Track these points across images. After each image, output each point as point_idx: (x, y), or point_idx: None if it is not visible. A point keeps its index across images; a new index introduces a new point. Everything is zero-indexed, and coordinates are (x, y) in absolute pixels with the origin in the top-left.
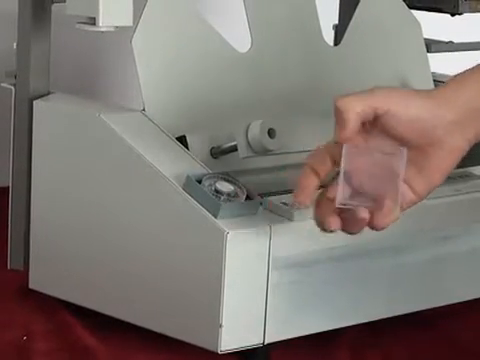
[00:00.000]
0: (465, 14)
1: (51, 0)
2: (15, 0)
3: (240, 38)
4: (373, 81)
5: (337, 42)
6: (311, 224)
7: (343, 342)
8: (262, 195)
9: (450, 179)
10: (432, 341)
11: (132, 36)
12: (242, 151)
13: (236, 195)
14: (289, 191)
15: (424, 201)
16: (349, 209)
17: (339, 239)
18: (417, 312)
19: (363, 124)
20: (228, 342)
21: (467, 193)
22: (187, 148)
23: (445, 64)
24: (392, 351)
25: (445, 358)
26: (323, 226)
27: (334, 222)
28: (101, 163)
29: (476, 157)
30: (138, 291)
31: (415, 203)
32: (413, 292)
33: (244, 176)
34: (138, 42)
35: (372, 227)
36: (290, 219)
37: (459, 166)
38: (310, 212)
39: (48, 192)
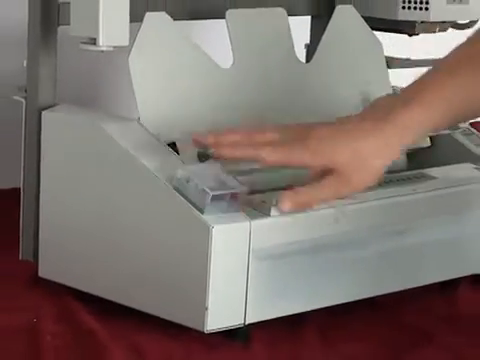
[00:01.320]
0: (421, 34)
1: (57, 23)
2: (25, 22)
3: (223, 55)
4: (338, 92)
5: (308, 59)
6: (286, 220)
7: (311, 323)
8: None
9: (407, 179)
10: (384, 321)
11: (129, 54)
12: None
13: (220, 194)
14: (266, 190)
15: (385, 199)
16: None
17: (310, 233)
18: (374, 297)
19: None
20: (213, 323)
21: (422, 192)
22: (177, 153)
23: (403, 78)
24: (351, 331)
25: (395, 337)
26: None
27: None
28: (101, 166)
29: (429, 160)
30: (135, 278)
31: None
32: (372, 280)
33: (227, 177)
34: (134, 60)
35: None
36: (267, 215)
37: (415, 168)
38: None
39: (55, 191)
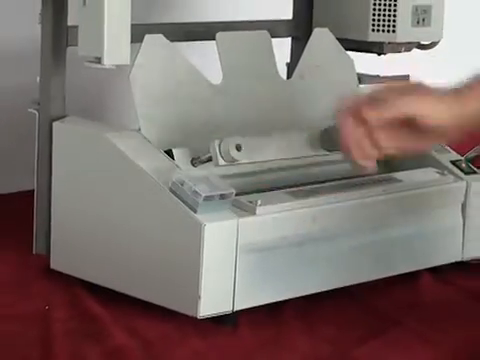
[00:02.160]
0: (388, 54)
1: (66, 44)
2: (38, 43)
3: (213, 72)
4: (316, 105)
5: (289, 76)
6: (270, 218)
7: (292, 309)
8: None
9: (378, 182)
10: (358, 307)
11: (130, 72)
12: (215, 161)
13: (211, 195)
14: (253, 192)
15: (358, 200)
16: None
17: (291, 230)
18: (349, 286)
19: None
20: (205, 309)
21: (391, 193)
22: (173, 159)
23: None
24: (327, 316)
25: (367, 321)
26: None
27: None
28: (106, 170)
29: (397, 165)
30: (135, 270)
31: None
32: (347, 271)
33: (217, 180)
34: (135, 77)
35: None
36: (253, 214)
37: (385, 172)
38: (269, 208)
39: (65, 193)
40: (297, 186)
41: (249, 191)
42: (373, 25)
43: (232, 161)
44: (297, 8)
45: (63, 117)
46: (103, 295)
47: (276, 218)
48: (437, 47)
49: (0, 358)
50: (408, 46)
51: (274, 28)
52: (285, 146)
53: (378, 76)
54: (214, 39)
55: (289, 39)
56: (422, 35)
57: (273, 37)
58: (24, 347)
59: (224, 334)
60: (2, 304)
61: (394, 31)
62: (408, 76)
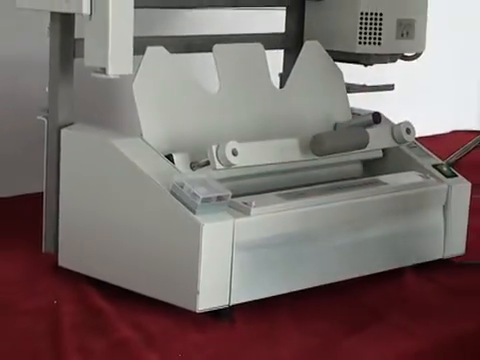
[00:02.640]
0: (374, 64)
1: (73, 55)
2: (47, 55)
3: (210, 82)
4: (306, 113)
5: (282, 86)
6: (263, 218)
7: (284, 303)
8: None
9: (364, 185)
10: (345, 302)
11: (133, 81)
12: (213, 165)
13: (209, 197)
14: (247, 194)
15: (345, 201)
16: None
17: (283, 229)
18: (337, 282)
19: None
20: (203, 304)
21: (376, 195)
22: (173, 163)
23: (360, 101)
24: (317, 310)
25: (354, 315)
26: None
27: None
28: (110, 174)
29: (382, 169)
30: (138, 267)
31: None
32: (335, 268)
33: (214, 183)
34: (137, 86)
35: None
36: (248, 214)
37: (370, 175)
38: (263, 209)
39: (72, 195)
40: (289, 189)
41: (244, 193)
42: (360, 38)
43: (228, 165)
44: (289, 22)
45: (70, 124)
46: (108, 291)
47: (270, 218)
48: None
49: (12, 349)
50: (393, 57)
51: (268, 41)
52: (278, 151)
53: (365, 85)
54: (211, 51)
55: (282, 51)
56: (406, 47)
57: (267, 49)
58: (34, 339)
59: (221, 327)
60: (14, 299)
61: (380, 43)
62: (393, 85)
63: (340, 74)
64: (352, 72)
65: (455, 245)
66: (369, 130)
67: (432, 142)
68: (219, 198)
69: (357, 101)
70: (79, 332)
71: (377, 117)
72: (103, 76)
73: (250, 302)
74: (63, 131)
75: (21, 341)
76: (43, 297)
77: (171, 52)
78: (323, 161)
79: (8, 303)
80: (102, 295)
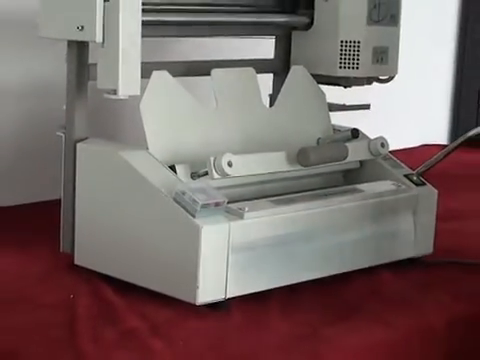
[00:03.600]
0: (353, 86)
1: (88, 78)
2: (64, 78)
3: (209, 101)
4: (293, 129)
5: (271, 105)
6: (255, 222)
7: (274, 297)
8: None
9: (344, 192)
10: (328, 295)
11: (140, 101)
12: (211, 175)
13: (207, 203)
14: (241, 200)
15: (329, 207)
16: None
17: (274, 231)
18: (321, 278)
19: None
20: (202, 297)
21: (355, 201)
22: (176, 173)
23: (340, 118)
24: (303, 303)
25: (336, 306)
26: None
27: None
28: (120, 183)
29: (360, 178)
30: (146, 265)
31: None
32: (320, 265)
33: (212, 190)
34: (144, 105)
35: None
36: (242, 218)
37: (349, 183)
38: (255, 214)
39: (87, 201)
40: (278, 195)
41: (239, 199)
42: (340, 63)
43: (224, 175)
44: (278, 49)
45: (85, 139)
46: (118, 286)
47: (261, 222)
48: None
49: (34, 338)
50: (369, 80)
51: (259, 66)
52: (268, 163)
53: (344, 105)
54: (209, 74)
55: (271, 75)
56: (381, 71)
57: (258, 73)
58: (54, 328)
59: (218, 317)
60: (35, 293)
61: (358, 68)
62: (369, 105)
63: (323, 95)
64: (333, 93)
65: (424, 245)
66: (348, 144)
67: (404, 155)
68: (216, 204)
69: (338, 119)
70: (93, 322)
71: (355, 133)
72: (114, 97)
73: (244, 295)
74: (78, 145)
75: (42, 329)
76: (61, 291)
77: (174, 76)
78: (308, 171)
79: (30, 296)
80: (113, 289)
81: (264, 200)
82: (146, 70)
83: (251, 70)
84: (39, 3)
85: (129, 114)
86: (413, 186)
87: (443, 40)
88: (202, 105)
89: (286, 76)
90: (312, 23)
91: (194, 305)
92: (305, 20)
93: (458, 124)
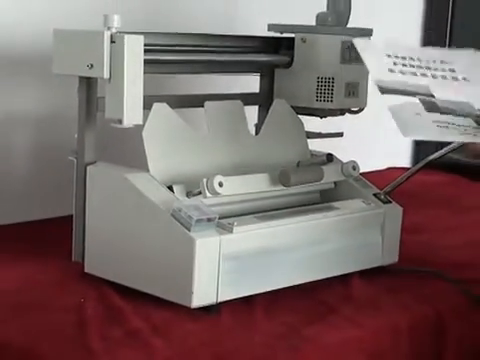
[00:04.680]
0: (328, 117)
1: (96, 109)
2: (76, 109)
3: (202, 131)
4: (275, 154)
5: (257, 133)
6: (243, 235)
7: (259, 301)
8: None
9: (321, 209)
10: (307, 299)
11: (143, 130)
12: (204, 194)
13: (201, 218)
14: (231, 216)
15: (307, 222)
16: None
17: (259, 243)
18: (301, 284)
19: None
20: (196, 301)
21: (330, 217)
22: (173, 192)
23: (317, 144)
24: (285, 306)
25: (313, 309)
26: None
27: None
28: (125, 200)
29: (334, 197)
30: (147, 272)
31: None
32: (300, 273)
33: (205, 207)
34: (146, 133)
35: None
36: (231, 232)
37: (325, 201)
38: (243, 228)
39: (96, 217)
40: (263, 212)
41: (228, 216)
42: (317, 96)
43: (216, 194)
44: (262, 84)
45: (94, 162)
46: (123, 291)
47: (248, 235)
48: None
49: (48, 337)
50: (342, 111)
51: (246, 99)
52: (254, 183)
53: (320, 133)
54: (203, 106)
55: (257, 107)
56: (352, 103)
57: (245, 105)
58: (66, 329)
59: (210, 319)
60: (48, 297)
61: (332, 101)
62: (342, 133)
63: (301, 124)
64: (311, 123)
65: (390, 255)
66: (324, 167)
67: (372, 176)
68: (209, 219)
69: (315, 145)
70: (101, 323)
71: (330, 157)
72: (120, 126)
73: (233, 300)
74: (88, 168)
75: (55, 329)
76: (72, 296)
77: (172, 107)
78: (289, 191)
79: (44, 301)
80: (119, 294)
81: (250, 216)
82: (148, 102)
83: (239, 103)
84: (53, 44)
85: (133, 141)
86: (381, 204)
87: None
88: (196, 133)
89: (269, 108)
90: (292, 62)
91: (189, 308)
92: (286, 59)
93: (419, 150)
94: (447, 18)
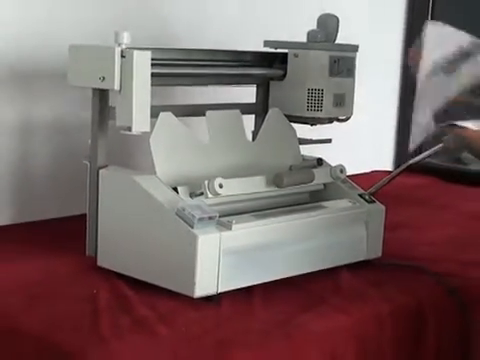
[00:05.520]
0: (318, 124)
1: (108, 118)
2: (89, 118)
3: (204, 136)
4: (270, 158)
5: (253, 140)
6: (241, 232)
7: (257, 291)
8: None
9: (311, 208)
10: (298, 290)
11: (150, 136)
12: (205, 194)
13: (203, 217)
14: (230, 215)
15: (299, 220)
16: None
17: (255, 240)
18: (293, 276)
19: None
20: (199, 291)
21: (320, 215)
22: (178, 193)
23: (308, 149)
24: (279, 296)
25: (304, 299)
26: None
27: None
28: (134, 200)
29: (323, 197)
30: (153, 265)
31: None
32: (292, 266)
33: (207, 207)
34: (153, 139)
35: None
36: (230, 229)
37: (315, 201)
38: (241, 225)
39: (107, 216)
40: (259, 211)
41: (228, 214)
42: (308, 106)
43: (216, 195)
44: (258, 95)
45: (106, 166)
46: (133, 283)
47: (246, 232)
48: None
49: (63, 324)
50: (330, 120)
51: (243, 108)
52: (251, 185)
53: (311, 139)
54: (205, 115)
55: (253, 115)
56: (339, 113)
57: (243, 114)
58: (80, 317)
59: (211, 308)
60: (63, 288)
61: (321, 110)
62: (330, 140)
63: (294, 131)
64: (302, 130)
65: (374, 250)
66: (314, 170)
67: (358, 178)
68: (210, 218)
69: (306, 150)
70: (112, 311)
71: (320, 161)
72: (129, 133)
73: (232, 290)
74: (101, 171)
75: (71, 318)
76: (86, 287)
77: (176, 116)
78: (282, 192)
79: (59, 291)
80: (128, 286)
81: (248, 214)
82: (154, 112)
83: (237, 112)
84: (69, 58)
85: (141, 147)
86: (365, 203)
87: (389, 93)
88: (199, 139)
89: (265, 117)
90: (285, 75)
91: (192, 298)
92: (280, 72)
93: (401, 154)
94: None
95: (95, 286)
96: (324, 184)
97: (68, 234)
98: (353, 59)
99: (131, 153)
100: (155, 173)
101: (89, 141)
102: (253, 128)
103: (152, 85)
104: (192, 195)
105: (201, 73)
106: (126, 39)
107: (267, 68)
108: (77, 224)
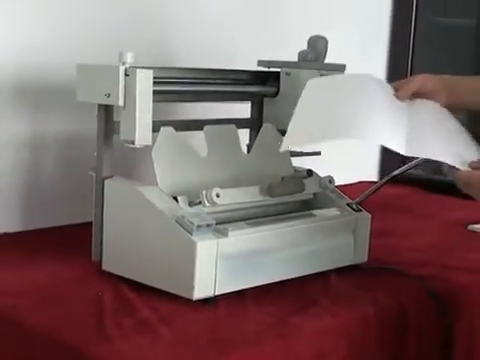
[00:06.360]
0: None
1: (113, 132)
2: (95, 132)
3: (202, 149)
4: (264, 170)
5: (248, 152)
6: (237, 238)
7: (250, 294)
8: (214, 224)
9: (301, 216)
10: (291, 293)
11: (152, 149)
12: (203, 203)
13: (201, 224)
14: (226, 223)
15: (290, 227)
16: None
17: (250, 246)
18: (286, 280)
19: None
20: (197, 294)
21: (311, 223)
22: (178, 202)
23: (299, 161)
24: (271, 298)
25: (297, 301)
26: None
27: None
28: (137, 209)
29: (313, 206)
30: (155, 270)
31: None
32: (285, 270)
33: (205, 214)
34: (155, 152)
35: None
36: (226, 236)
37: (305, 209)
38: (236, 233)
39: (112, 223)
40: (253, 219)
41: (224, 222)
42: None
43: (213, 204)
44: (253, 111)
45: (111, 177)
46: (135, 286)
47: (241, 239)
48: None
49: (70, 325)
50: None
51: (239, 123)
52: (246, 194)
53: (301, 152)
54: (203, 130)
55: (248, 130)
56: None
57: (238, 128)
58: (85, 318)
59: (209, 309)
60: (69, 291)
61: None
62: (320, 152)
63: None
64: None
65: (361, 255)
66: (305, 181)
67: (346, 188)
68: (208, 225)
69: (297, 162)
70: (115, 313)
71: (310, 172)
72: (132, 146)
73: (228, 293)
74: (106, 181)
75: (77, 319)
76: (91, 290)
77: (176, 130)
78: (275, 201)
79: (65, 294)
80: (131, 289)
81: (243, 222)
82: (156, 126)
83: (233, 127)
84: (77, 76)
85: (144, 159)
86: (353, 212)
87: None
88: (198, 152)
89: (259, 131)
90: (278, 92)
91: (191, 300)
92: (273, 90)
93: (385, 166)
94: (407, 65)
95: (100, 289)
96: (314, 194)
97: (75, 240)
98: None
99: (134, 165)
100: (157, 183)
101: (95, 153)
102: (248, 142)
103: (154, 101)
104: (191, 204)
105: (200, 90)
106: (130, 59)
107: (261, 86)
108: (83, 231)
